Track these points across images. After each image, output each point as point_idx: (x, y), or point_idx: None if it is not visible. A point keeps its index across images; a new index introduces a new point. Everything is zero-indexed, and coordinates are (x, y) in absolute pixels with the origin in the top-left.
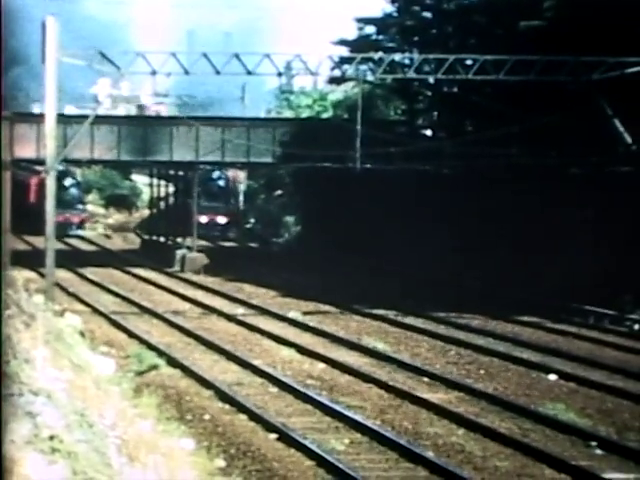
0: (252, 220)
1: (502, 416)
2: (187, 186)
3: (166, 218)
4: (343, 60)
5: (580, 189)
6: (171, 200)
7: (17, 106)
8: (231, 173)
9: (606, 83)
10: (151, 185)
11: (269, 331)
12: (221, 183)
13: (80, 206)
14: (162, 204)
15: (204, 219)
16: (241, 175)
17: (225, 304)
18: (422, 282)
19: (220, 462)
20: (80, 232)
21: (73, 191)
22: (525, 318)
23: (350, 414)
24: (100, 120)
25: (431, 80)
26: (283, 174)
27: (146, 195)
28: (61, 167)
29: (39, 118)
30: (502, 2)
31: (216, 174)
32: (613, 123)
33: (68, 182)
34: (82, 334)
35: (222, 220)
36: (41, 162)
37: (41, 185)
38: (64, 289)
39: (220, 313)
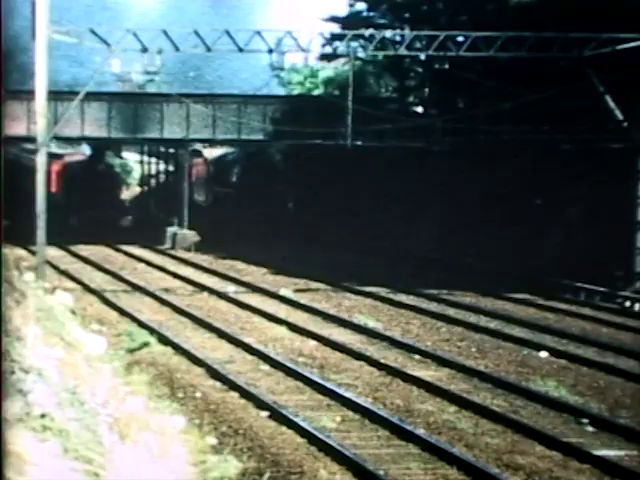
0: None
1: (493, 393)
2: (178, 163)
3: (157, 195)
4: (334, 37)
5: (572, 166)
6: (162, 177)
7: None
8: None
9: (598, 59)
10: (142, 162)
11: (260, 309)
12: None
13: None
14: (153, 181)
15: None
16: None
17: (216, 282)
18: (414, 260)
19: (211, 440)
20: None
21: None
22: (517, 295)
23: (341, 392)
24: (91, 97)
25: (422, 57)
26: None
27: (137, 172)
28: (88, 149)
29: (29, 95)
30: None
31: None
32: (604, 100)
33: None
34: (73, 312)
35: None
36: (32, 140)
37: (65, 173)
38: (55, 267)
39: (211, 291)
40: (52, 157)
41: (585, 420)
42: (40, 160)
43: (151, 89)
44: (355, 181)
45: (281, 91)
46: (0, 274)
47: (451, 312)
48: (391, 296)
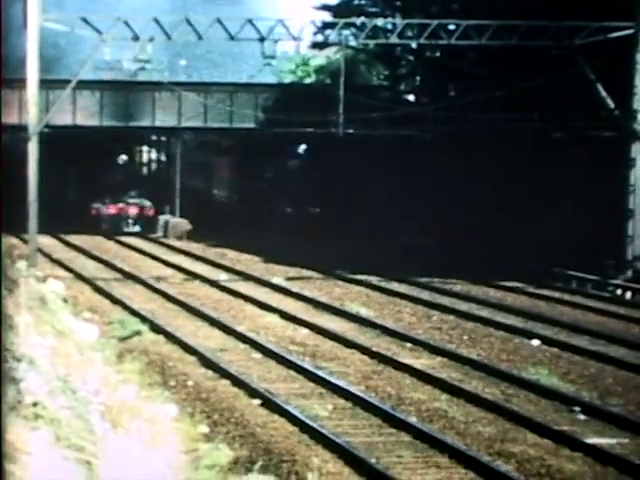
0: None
1: (485, 381)
2: (169, 152)
3: (149, 184)
4: (326, 25)
5: (563, 154)
6: (154, 166)
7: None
8: None
9: (589, 48)
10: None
11: (252, 297)
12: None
13: (137, 193)
14: (145, 170)
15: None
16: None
17: (208, 270)
18: (405, 248)
19: (203, 428)
20: (138, 228)
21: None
22: (508, 283)
23: (333, 380)
24: (82, 85)
25: (414, 45)
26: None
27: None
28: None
29: (21, 83)
30: None
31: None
32: (596, 88)
33: (122, 160)
34: (65, 300)
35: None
36: (23, 128)
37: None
38: (47, 255)
39: (203, 279)
40: None
41: (577, 408)
42: (32, 149)
43: (143, 77)
44: (346, 169)
45: (273, 79)
46: (0, 266)
47: (443, 300)
48: (383, 284)
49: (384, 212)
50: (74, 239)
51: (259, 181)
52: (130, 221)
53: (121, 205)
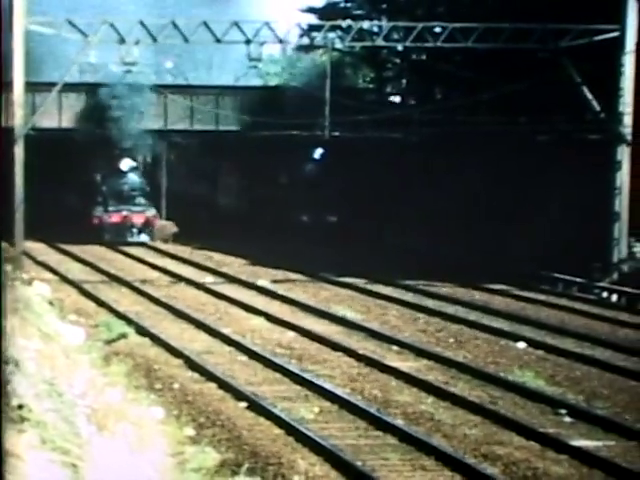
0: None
1: (471, 384)
2: (155, 154)
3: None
4: (312, 28)
5: (549, 156)
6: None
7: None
8: None
9: (574, 51)
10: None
11: (238, 299)
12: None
13: (142, 200)
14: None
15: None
16: None
17: (194, 272)
18: (391, 250)
19: (189, 431)
20: (145, 238)
21: (133, 178)
22: (494, 286)
23: (319, 382)
24: (68, 88)
25: (400, 48)
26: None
27: None
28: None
29: (7, 86)
30: None
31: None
32: (581, 90)
33: (126, 165)
34: (51, 303)
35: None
36: (10, 130)
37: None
38: (32, 258)
39: (189, 281)
40: None
41: (563, 411)
42: (18, 151)
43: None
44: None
45: (259, 82)
46: (0, 269)
47: (429, 303)
48: (369, 287)
49: (368, 215)
50: (74, 249)
51: (271, 187)
52: (135, 230)
53: (125, 213)
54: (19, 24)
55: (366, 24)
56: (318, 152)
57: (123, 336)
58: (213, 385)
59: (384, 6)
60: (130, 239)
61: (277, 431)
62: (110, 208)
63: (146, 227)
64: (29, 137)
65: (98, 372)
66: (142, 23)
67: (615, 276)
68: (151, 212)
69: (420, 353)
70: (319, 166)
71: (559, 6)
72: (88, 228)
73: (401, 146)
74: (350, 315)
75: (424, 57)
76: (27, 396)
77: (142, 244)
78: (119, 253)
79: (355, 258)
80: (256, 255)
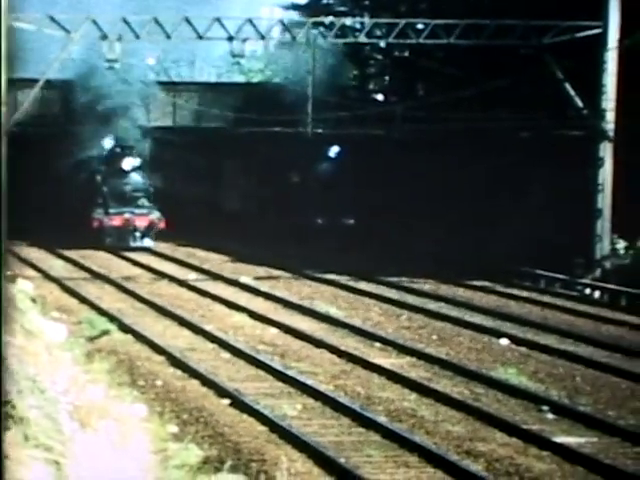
0: None
1: (454, 381)
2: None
3: None
4: (294, 24)
5: (532, 153)
6: None
7: None
8: None
9: (557, 47)
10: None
11: (221, 296)
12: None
13: (146, 202)
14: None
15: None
16: None
17: (177, 269)
18: (374, 247)
19: (172, 428)
20: (148, 243)
21: (136, 178)
22: (477, 283)
23: (302, 379)
24: (50, 85)
25: (382, 44)
26: None
27: None
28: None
29: None
30: None
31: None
32: (564, 87)
33: (128, 164)
34: (33, 300)
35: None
36: None
37: (72, 169)
38: (15, 255)
39: (172, 278)
40: None
41: (545, 407)
42: (2, 150)
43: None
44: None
45: (241, 79)
46: (0, 271)
47: (411, 300)
48: (351, 284)
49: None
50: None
51: (283, 188)
52: (138, 234)
53: (127, 216)
54: (1, 21)
55: (348, 21)
56: (333, 150)
57: (106, 333)
58: (196, 382)
59: (366, 3)
60: (132, 244)
61: (260, 428)
62: (111, 210)
63: (150, 231)
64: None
65: (81, 369)
66: (125, 20)
67: (598, 273)
68: (155, 215)
69: (403, 350)
70: (335, 165)
71: (542, 3)
72: (88, 232)
73: (383, 142)
74: (333, 312)
75: (407, 54)
76: (10, 393)
77: (146, 249)
78: (104, 251)
79: (337, 256)
80: (238, 252)
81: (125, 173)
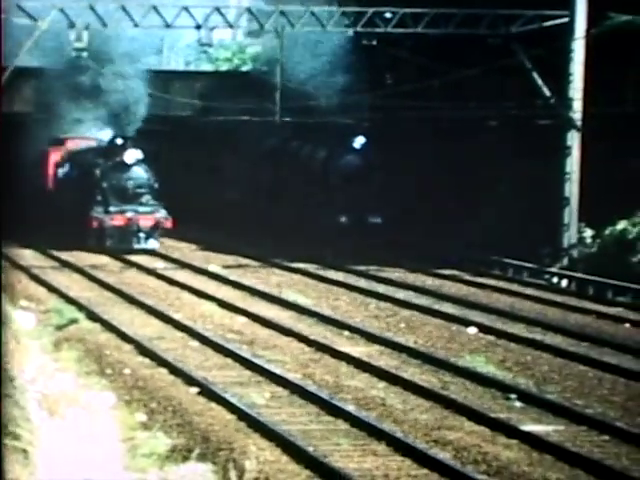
0: None
1: (422, 369)
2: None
3: None
4: (262, 13)
5: (500, 142)
6: None
7: None
8: None
9: (525, 36)
10: None
11: (189, 285)
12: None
13: (150, 199)
14: None
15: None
16: None
17: (145, 258)
18: (341, 236)
19: (141, 416)
20: (153, 244)
21: (139, 172)
22: (445, 271)
23: (271, 368)
24: (20, 73)
25: (350, 33)
26: None
27: None
28: (110, 132)
29: None
30: None
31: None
32: (532, 76)
33: (130, 156)
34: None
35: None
36: None
37: (65, 163)
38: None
39: (140, 267)
40: (49, 143)
41: (513, 395)
42: None
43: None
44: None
45: (209, 67)
46: (0, 272)
47: (380, 288)
48: (320, 272)
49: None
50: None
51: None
52: (142, 235)
53: (129, 215)
54: None
55: (316, 9)
56: (358, 141)
57: (74, 322)
58: (164, 370)
59: None
60: (136, 246)
61: (228, 416)
62: (111, 208)
63: (155, 231)
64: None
65: (49, 357)
66: (92, 8)
67: (565, 261)
68: (161, 213)
69: (371, 338)
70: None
71: None
72: (87, 232)
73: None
74: (301, 300)
75: (375, 42)
76: None
77: (150, 252)
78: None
79: (305, 245)
80: (207, 240)
81: (127, 167)
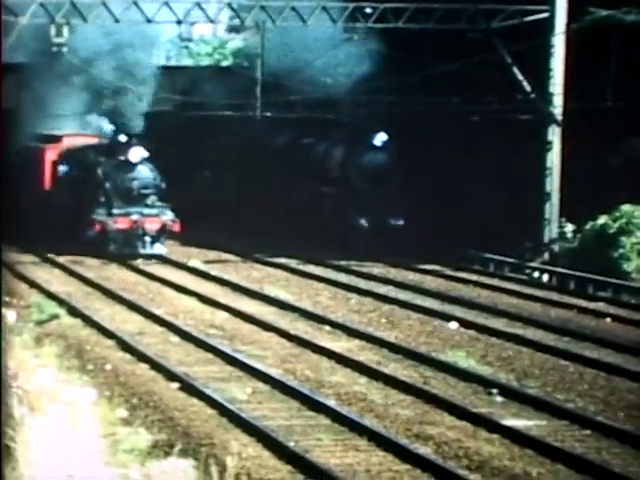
0: None
1: (403, 364)
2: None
3: None
4: (242, 8)
5: (480, 137)
6: None
7: None
8: None
9: (505, 31)
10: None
11: (170, 280)
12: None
13: (156, 200)
14: None
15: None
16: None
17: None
18: (322, 231)
19: (122, 412)
20: (160, 249)
21: (145, 172)
22: (426, 266)
23: (252, 363)
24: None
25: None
26: None
27: None
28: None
29: None
30: None
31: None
32: (512, 71)
33: (135, 155)
34: None
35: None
36: None
37: (64, 161)
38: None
39: (121, 262)
40: (45, 140)
41: (494, 390)
42: None
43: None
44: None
45: (190, 62)
46: (0, 274)
47: (361, 283)
48: (301, 267)
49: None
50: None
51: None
52: (147, 239)
53: (135, 217)
54: None
55: (296, 4)
56: (380, 138)
57: (55, 317)
58: (145, 366)
59: None
60: (142, 250)
61: (210, 412)
62: (115, 210)
63: (161, 235)
64: None
65: (30, 353)
66: (72, 3)
67: (546, 256)
68: (168, 216)
69: (352, 333)
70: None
71: None
72: (86, 236)
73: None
74: (283, 295)
75: (355, 37)
76: None
77: (158, 257)
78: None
79: (287, 240)
80: (188, 235)
81: (132, 166)
